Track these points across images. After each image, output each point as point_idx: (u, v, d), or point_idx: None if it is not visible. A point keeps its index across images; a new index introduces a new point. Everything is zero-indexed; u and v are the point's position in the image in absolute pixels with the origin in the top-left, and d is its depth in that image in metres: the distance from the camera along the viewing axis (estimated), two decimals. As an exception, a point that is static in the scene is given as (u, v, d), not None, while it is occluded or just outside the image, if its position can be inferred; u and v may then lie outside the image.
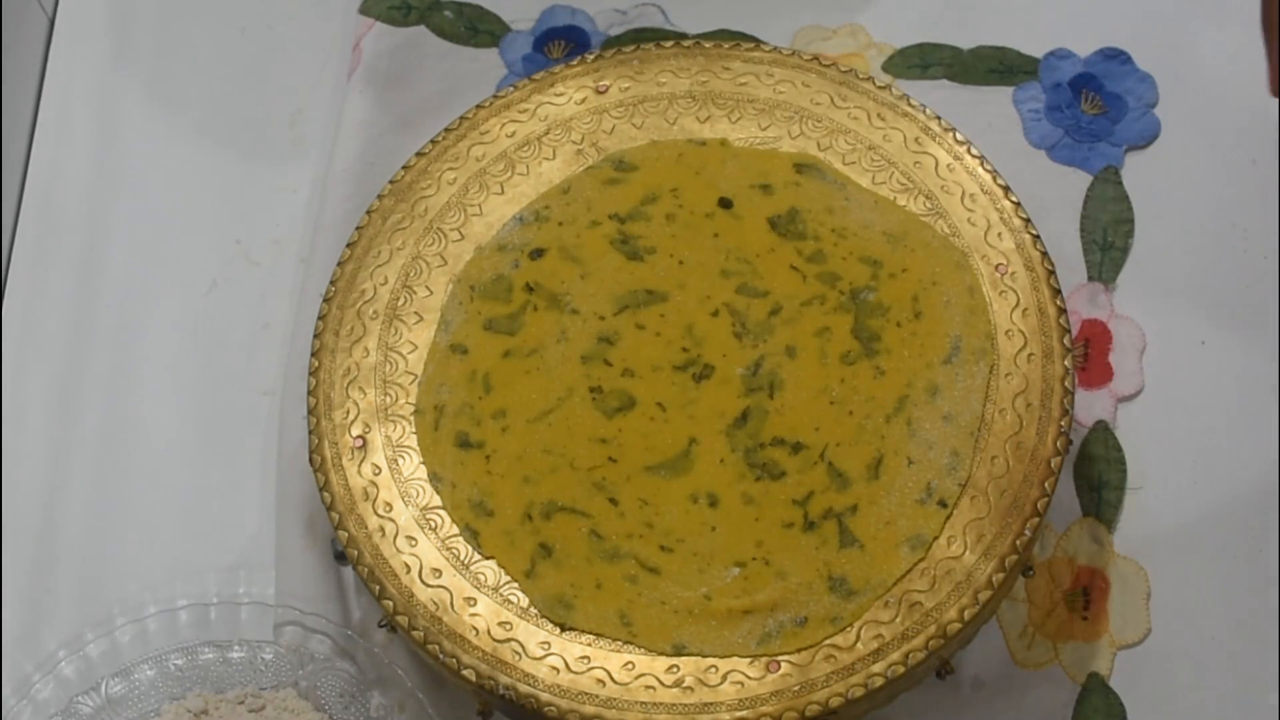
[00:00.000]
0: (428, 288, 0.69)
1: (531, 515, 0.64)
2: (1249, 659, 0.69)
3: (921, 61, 0.82)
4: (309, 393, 0.67)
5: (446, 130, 0.72)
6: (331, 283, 0.69)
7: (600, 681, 0.61)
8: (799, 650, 0.61)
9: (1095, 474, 0.73)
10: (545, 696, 0.61)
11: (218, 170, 0.82)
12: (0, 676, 0.70)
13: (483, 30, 0.84)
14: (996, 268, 0.67)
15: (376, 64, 0.82)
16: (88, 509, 0.74)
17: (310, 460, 0.66)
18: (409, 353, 0.67)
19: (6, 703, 0.69)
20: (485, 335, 0.68)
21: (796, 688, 0.60)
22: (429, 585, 0.63)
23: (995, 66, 0.82)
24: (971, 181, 0.69)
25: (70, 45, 0.85)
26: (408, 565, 0.63)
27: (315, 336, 0.68)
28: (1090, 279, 0.77)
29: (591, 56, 0.73)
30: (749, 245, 0.69)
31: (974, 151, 0.70)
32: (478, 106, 0.73)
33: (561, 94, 0.73)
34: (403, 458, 0.65)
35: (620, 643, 0.62)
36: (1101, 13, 0.83)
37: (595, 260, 0.69)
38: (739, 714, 0.60)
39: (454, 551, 0.63)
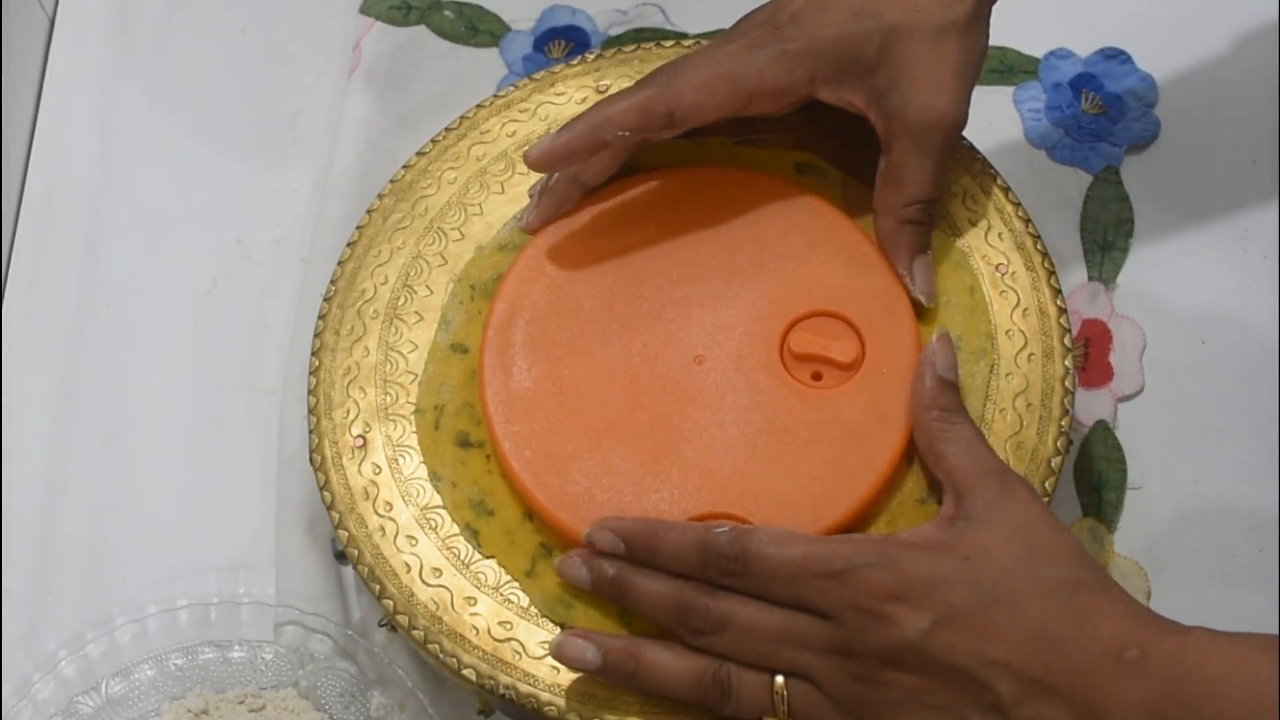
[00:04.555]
0: (428, 287, 0.69)
1: (531, 515, 0.64)
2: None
3: (922, 61, 0.82)
4: (309, 392, 0.67)
5: (447, 130, 0.72)
6: (332, 282, 0.69)
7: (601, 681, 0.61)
8: (799, 650, 0.61)
9: (1095, 474, 0.73)
10: (545, 696, 0.61)
11: (218, 170, 0.82)
12: (0, 676, 0.70)
13: (483, 30, 0.84)
14: (996, 268, 0.67)
15: (376, 64, 0.82)
16: (88, 509, 0.74)
17: (310, 459, 0.66)
18: (409, 352, 0.67)
19: (6, 703, 0.69)
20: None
21: (797, 687, 0.60)
22: (429, 585, 0.63)
23: (995, 66, 0.82)
24: (971, 182, 0.69)
25: (70, 45, 0.85)
26: (408, 565, 0.63)
27: (315, 336, 0.68)
28: (1090, 279, 0.77)
29: (591, 56, 0.73)
30: (749, 245, 0.69)
31: (974, 152, 0.70)
32: (478, 106, 0.73)
33: (562, 94, 0.73)
34: (403, 457, 0.65)
35: (620, 642, 0.62)
36: (1101, 13, 0.83)
37: (595, 260, 0.69)
38: (739, 713, 0.60)
39: (454, 551, 0.63)
